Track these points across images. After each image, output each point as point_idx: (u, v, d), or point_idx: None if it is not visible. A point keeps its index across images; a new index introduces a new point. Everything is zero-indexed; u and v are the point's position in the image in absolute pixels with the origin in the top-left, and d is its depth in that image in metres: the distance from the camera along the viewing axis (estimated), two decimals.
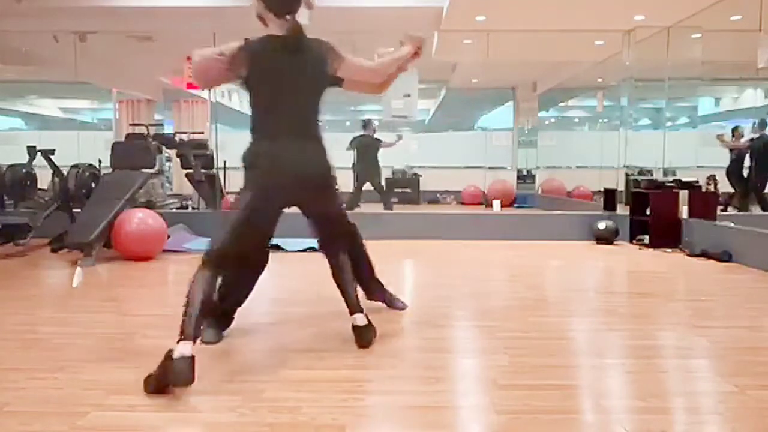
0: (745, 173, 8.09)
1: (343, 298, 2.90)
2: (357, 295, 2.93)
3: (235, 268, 2.77)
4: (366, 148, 9.13)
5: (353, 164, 9.12)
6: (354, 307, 2.86)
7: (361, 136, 9.23)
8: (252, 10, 2.75)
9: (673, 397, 2.27)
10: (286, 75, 2.61)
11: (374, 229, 6.66)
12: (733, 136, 8.29)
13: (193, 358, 2.24)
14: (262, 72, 2.60)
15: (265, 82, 2.61)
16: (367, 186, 9.15)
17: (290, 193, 2.68)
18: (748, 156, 8.07)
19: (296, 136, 2.64)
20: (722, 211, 6.92)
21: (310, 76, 2.68)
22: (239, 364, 2.57)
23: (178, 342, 2.28)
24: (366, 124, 9.33)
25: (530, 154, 12.44)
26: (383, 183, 9.61)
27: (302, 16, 2.70)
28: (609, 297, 4.12)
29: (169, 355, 2.23)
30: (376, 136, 9.24)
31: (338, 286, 2.93)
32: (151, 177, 9.42)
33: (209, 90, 10.73)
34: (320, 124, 2.74)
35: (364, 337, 2.80)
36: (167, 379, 2.19)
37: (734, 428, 1.97)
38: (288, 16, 2.62)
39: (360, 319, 2.83)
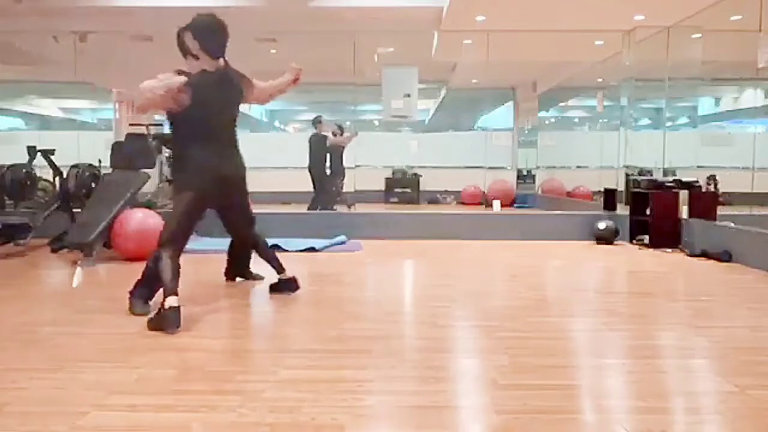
0: None
1: (271, 264, 3.83)
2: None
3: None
4: (314, 146, 9.11)
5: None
6: (281, 267, 3.83)
7: (312, 135, 9.23)
8: (174, 44, 3.43)
9: (673, 397, 2.27)
10: (219, 103, 3.37)
11: (374, 229, 6.69)
12: None
13: (179, 308, 2.98)
14: (201, 102, 3.25)
15: (203, 109, 3.28)
16: (371, 185, 9.11)
17: (222, 189, 3.46)
18: None
19: (223, 147, 3.44)
20: None
21: (234, 101, 3.49)
22: (239, 364, 2.57)
23: (165, 298, 3.00)
24: (314, 122, 9.31)
25: (530, 154, 12.44)
26: (330, 183, 9.31)
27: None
28: (609, 297, 4.12)
29: (162, 307, 2.99)
30: (324, 133, 9.18)
31: (265, 256, 3.87)
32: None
33: None
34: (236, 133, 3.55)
35: (290, 287, 3.80)
36: (162, 326, 2.95)
37: (734, 428, 1.97)
38: (219, 59, 3.33)
39: (288, 274, 3.83)
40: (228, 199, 3.58)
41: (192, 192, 3.31)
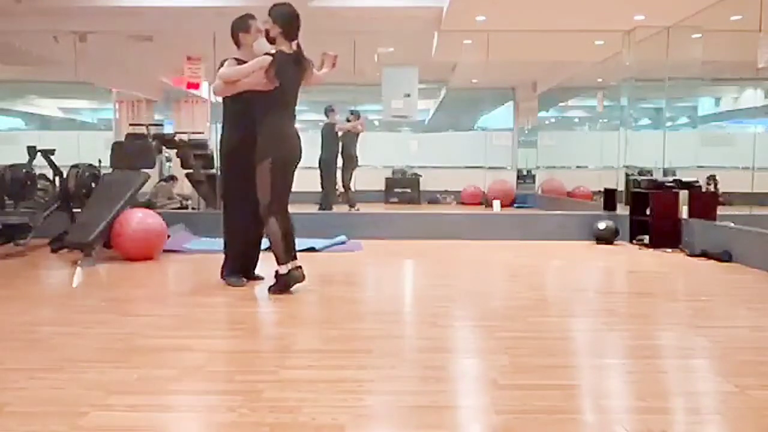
0: None
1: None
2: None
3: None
4: (325, 137, 8.89)
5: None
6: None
7: (325, 125, 9.02)
8: (254, 29, 4.01)
9: (673, 397, 2.27)
10: (295, 80, 3.85)
11: (374, 229, 6.69)
12: None
13: (300, 267, 3.81)
14: (283, 78, 3.72)
15: (283, 85, 3.74)
16: (372, 185, 9.00)
17: (297, 159, 3.87)
18: None
19: (293, 121, 3.90)
20: None
21: (301, 80, 3.91)
22: (239, 364, 2.57)
23: (279, 263, 3.78)
24: (326, 110, 9.05)
25: (530, 154, 12.44)
26: (342, 176, 9.11)
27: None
28: (609, 297, 4.12)
29: (279, 273, 3.80)
30: (334, 122, 8.92)
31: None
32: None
33: (210, 89, 10.74)
34: None
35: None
36: (289, 284, 3.79)
37: (734, 428, 1.97)
38: (294, 41, 3.82)
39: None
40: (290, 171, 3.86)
41: (271, 159, 3.71)
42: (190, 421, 2.03)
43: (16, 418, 1.98)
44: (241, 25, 4.02)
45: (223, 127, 4.11)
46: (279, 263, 3.79)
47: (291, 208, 3.93)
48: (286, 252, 3.76)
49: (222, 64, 3.88)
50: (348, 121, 9.08)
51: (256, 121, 3.79)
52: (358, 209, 8.82)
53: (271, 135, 3.74)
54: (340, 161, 9.05)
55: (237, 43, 4.05)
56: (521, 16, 7.13)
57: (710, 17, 6.40)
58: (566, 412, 2.08)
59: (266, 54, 3.73)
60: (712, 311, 3.65)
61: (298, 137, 3.86)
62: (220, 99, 4.03)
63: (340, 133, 8.93)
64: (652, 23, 7.08)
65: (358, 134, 9.13)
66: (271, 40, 3.80)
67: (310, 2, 6.90)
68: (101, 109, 14.01)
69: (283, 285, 3.80)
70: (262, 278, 4.21)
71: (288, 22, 3.79)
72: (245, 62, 3.83)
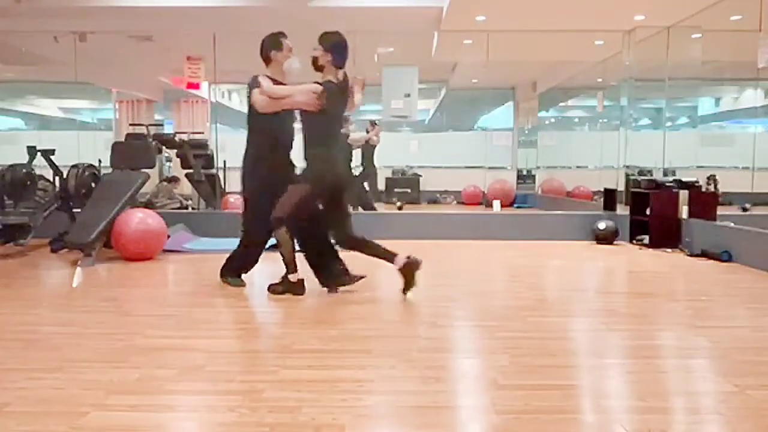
0: None
1: (383, 258, 3.91)
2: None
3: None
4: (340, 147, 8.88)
5: None
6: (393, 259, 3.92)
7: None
8: (289, 60, 4.00)
9: (673, 397, 2.27)
10: (340, 110, 3.94)
11: (374, 229, 6.68)
12: None
13: (302, 280, 3.85)
14: (331, 107, 3.77)
15: (330, 114, 3.81)
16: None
17: (336, 186, 3.88)
18: None
19: (337, 149, 4.01)
20: None
21: (345, 109, 4.02)
22: (239, 364, 2.57)
23: (288, 274, 3.82)
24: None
25: (530, 154, 12.43)
26: (362, 183, 8.95)
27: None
28: (609, 297, 4.12)
29: (287, 279, 3.83)
30: (348, 131, 8.89)
31: (374, 253, 3.97)
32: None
33: (209, 89, 10.74)
34: None
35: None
36: (292, 291, 3.83)
37: (734, 428, 1.97)
38: (342, 69, 3.87)
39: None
40: (337, 196, 3.90)
41: (310, 187, 3.77)
42: (190, 421, 2.03)
43: (16, 418, 1.98)
44: (273, 43, 3.99)
45: (256, 141, 4.00)
46: (289, 270, 3.84)
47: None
48: (295, 263, 3.83)
49: (255, 81, 3.86)
50: (367, 131, 8.90)
51: (304, 142, 3.85)
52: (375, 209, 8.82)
53: (317, 165, 3.79)
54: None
55: (267, 60, 4.01)
56: (521, 16, 7.12)
57: (710, 17, 6.40)
58: (566, 412, 2.08)
59: (316, 83, 3.77)
60: (712, 311, 3.65)
61: (344, 162, 4.01)
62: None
63: (350, 142, 8.86)
64: (652, 23, 7.07)
65: (374, 144, 8.94)
66: (320, 68, 3.82)
67: (310, 2, 6.90)
68: (101, 109, 14.00)
69: (286, 288, 3.85)
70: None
71: (339, 52, 3.82)
72: (276, 81, 3.88)
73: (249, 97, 3.93)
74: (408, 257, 3.78)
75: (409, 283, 3.79)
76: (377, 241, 3.95)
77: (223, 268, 4.19)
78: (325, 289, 3.97)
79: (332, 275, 4.00)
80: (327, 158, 3.83)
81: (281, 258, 3.80)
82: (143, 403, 2.12)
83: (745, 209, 7.34)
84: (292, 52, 4.00)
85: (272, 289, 3.91)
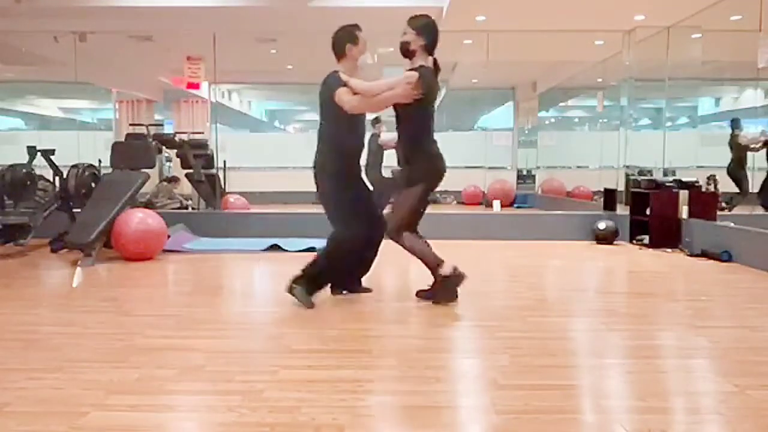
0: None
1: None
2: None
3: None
4: (370, 148, 9.05)
5: None
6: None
7: (371, 135, 9.24)
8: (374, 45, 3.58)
9: (673, 397, 2.27)
10: (436, 96, 3.61)
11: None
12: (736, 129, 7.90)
13: (456, 267, 3.50)
14: (429, 94, 3.48)
15: (429, 102, 3.52)
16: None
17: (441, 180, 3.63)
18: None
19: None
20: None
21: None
22: (239, 364, 2.57)
23: (438, 268, 3.50)
24: (373, 121, 9.19)
25: (530, 154, 12.43)
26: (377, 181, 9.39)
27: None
28: (609, 297, 4.12)
29: (442, 276, 3.49)
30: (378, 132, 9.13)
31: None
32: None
33: (209, 89, 10.73)
34: None
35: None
36: (455, 282, 3.49)
37: (734, 428, 1.97)
38: (432, 56, 3.56)
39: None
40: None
41: (425, 187, 3.54)
42: (190, 421, 2.03)
43: (16, 418, 1.98)
44: (350, 37, 3.62)
45: (337, 144, 3.63)
46: (438, 268, 3.53)
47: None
48: (435, 255, 3.56)
49: (338, 78, 3.49)
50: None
51: (406, 141, 3.59)
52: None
53: (428, 159, 3.56)
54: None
55: (341, 55, 3.62)
56: (521, 16, 7.13)
57: (710, 17, 6.40)
58: (566, 412, 2.08)
59: (411, 70, 3.47)
60: (712, 311, 3.65)
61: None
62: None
63: (380, 143, 9.11)
64: (652, 23, 7.08)
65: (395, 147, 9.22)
66: (411, 54, 3.53)
67: (310, 2, 6.90)
68: (101, 109, 14.01)
69: (453, 286, 3.55)
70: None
71: (432, 36, 3.54)
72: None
73: (326, 96, 3.53)
74: (455, 268, 3.55)
75: (442, 296, 3.57)
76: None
77: (300, 278, 3.59)
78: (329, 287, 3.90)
79: (345, 278, 3.87)
80: (435, 153, 3.58)
81: (423, 263, 3.56)
82: (143, 403, 2.12)
83: (727, 203, 7.34)
84: (367, 47, 3.68)
85: (431, 297, 3.60)
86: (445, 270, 3.50)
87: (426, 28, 3.53)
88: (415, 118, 3.52)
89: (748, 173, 7.94)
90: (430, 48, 3.54)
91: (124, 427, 1.94)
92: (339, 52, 3.62)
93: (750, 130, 7.98)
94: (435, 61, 3.57)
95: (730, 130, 7.99)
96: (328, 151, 3.61)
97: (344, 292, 3.89)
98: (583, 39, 8.04)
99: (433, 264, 3.55)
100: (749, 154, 7.77)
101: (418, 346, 2.85)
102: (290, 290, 3.55)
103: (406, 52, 3.54)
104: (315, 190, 3.64)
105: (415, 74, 3.39)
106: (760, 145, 7.52)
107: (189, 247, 5.82)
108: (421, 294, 3.79)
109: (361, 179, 3.78)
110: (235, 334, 3.07)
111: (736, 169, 7.64)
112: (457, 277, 3.54)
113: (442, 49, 3.65)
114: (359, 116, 3.60)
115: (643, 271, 5.08)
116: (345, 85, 3.46)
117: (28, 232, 5.53)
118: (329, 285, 3.90)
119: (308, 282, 3.56)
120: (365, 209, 3.71)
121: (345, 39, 3.62)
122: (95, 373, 2.42)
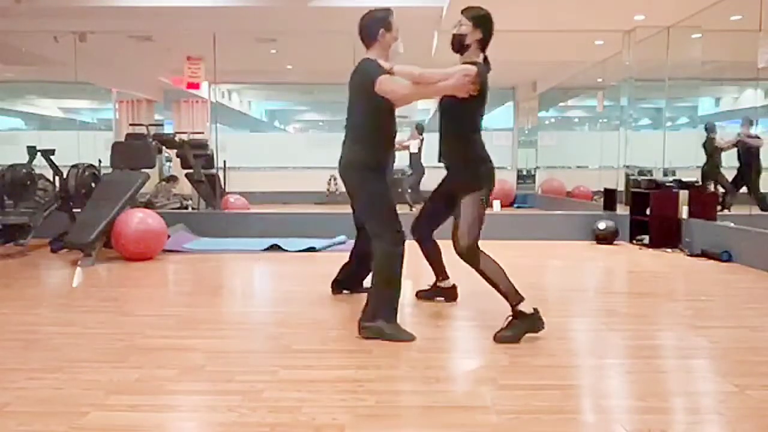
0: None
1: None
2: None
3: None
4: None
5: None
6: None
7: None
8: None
9: (673, 397, 2.27)
10: (487, 90, 3.26)
11: None
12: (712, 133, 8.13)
13: (536, 309, 2.97)
14: (483, 91, 3.21)
15: (483, 99, 3.25)
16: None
17: None
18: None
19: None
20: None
21: None
22: (239, 364, 2.57)
23: (517, 305, 2.95)
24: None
25: (530, 154, 12.43)
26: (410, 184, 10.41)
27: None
28: (609, 297, 4.12)
29: (520, 312, 2.93)
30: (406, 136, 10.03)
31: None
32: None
33: (209, 89, 10.73)
34: None
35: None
36: (532, 328, 2.93)
37: (734, 428, 1.97)
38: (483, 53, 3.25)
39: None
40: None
41: (486, 189, 3.25)
42: (190, 421, 2.03)
43: (16, 418, 1.98)
44: (384, 22, 3.22)
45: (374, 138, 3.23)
46: (516, 302, 2.97)
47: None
48: (515, 289, 3.02)
49: (377, 66, 3.11)
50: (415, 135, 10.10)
51: (455, 139, 3.30)
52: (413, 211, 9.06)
53: (483, 160, 3.27)
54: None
55: (371, 41, 3.22)
56: (521, 16, 7.12)
57: (710, 17, 6.40)
58: (566, 412, 2.08)
59: (468, 63, 3.17)
60: (712, 311, 3.65)
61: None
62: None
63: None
64: (652, 23, 7.07)
65: (406, 147, 10.03)
66: (464, 49, 3.22)
67: (310, 2, 6.89)
68: (101, 109, 14.01)
69: (526, 326, 2.94)
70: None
71: (490, 30, 3.25)
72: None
73: (360, 84, 3.15)
74: (536, 310, 2.99)
75: (508, 334, 2.92)
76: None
77: (370, 315, 3.02)
78: (330, 285, 3.92)
79: (349, 278, 3.85)
80: (486, 155, 3.29)
81: (498, 292, 3.04)
82: (143, 403, 2.12)
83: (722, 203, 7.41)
84: (399, 36, 3.33)
85: (502, 338, 2.90)
86: (525, 308, 2.96)
87: (484, 21, 3.22)
88: (467, 113, 3.23)
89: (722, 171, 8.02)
90: (484, 44, 3.23)
91: (124, 427, 1.94)
92: (370, 38, 3.22)
93: (726, 131, 8.52)
94: (486, 59, 3.25)
95: (705, 134, 8.09)
96: (362, 145, 3.17)
97: (345, 291, 3.89)
98: (583, 39, 8.04)
99: (510, 295, 3.01)
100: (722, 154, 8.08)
101: (418, 346, 2.86)
102: (365, 331, 2.96)
103: (460, 46, 3.21)
104: (344, 189, 3.26)
105: (474, 67, 3.07)
106: (730, 145, 7.78)
107: (189, 247, 5.82)
108: (421, 294, 3.79)
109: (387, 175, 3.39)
110: (235, 334, 3.07)
111: (712, 170, 7.79)
112: (536, 320, 2.95)
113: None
114: (393, 107, 3.19)
115: (643, 271, 5.08)
116: (388, 72, 3.09)
117: (28, 232, 5.53)
118: (329, 285, 3.92)
119: (382, 313, 3.01)
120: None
121: (378, 24, 3.21)
122: (95, 373, 2.42)
